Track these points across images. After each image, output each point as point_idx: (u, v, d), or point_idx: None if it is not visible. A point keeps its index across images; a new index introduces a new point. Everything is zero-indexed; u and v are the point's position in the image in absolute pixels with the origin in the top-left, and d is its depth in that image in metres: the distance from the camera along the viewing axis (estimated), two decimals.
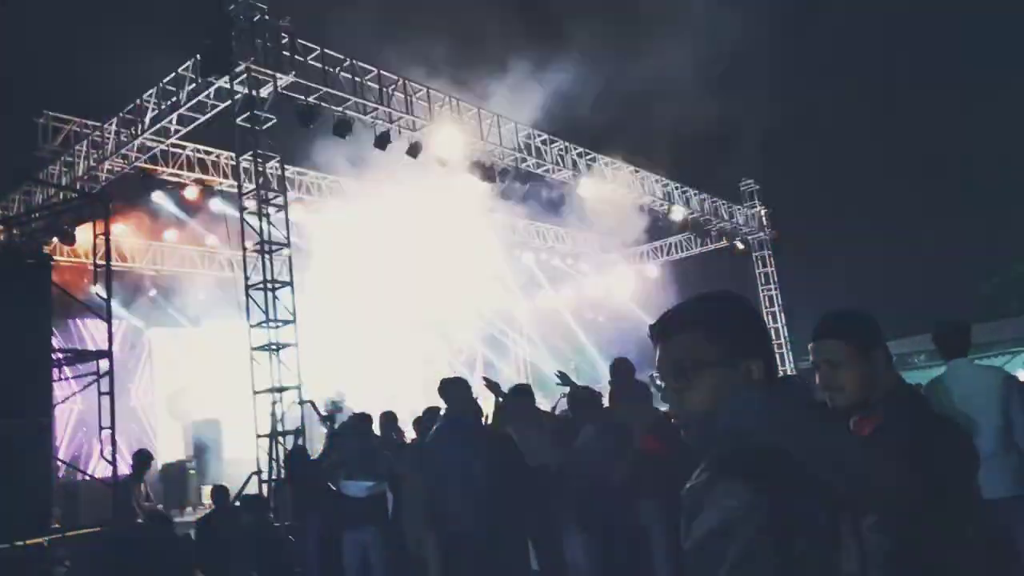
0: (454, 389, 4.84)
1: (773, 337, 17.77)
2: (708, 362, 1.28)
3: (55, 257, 11.05)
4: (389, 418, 7.59)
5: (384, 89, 10.90)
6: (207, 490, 12.17)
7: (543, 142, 13.40)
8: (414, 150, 11.32)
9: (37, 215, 10.71)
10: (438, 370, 20.10)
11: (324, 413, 11.78)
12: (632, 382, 5.01)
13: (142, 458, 8.26)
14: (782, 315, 18.09)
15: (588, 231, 18.81)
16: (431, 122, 11.42)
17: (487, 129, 12.39)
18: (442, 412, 5.11)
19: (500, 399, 5.60)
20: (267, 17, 9.44)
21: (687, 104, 15.23)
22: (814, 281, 15.96)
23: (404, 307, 19.28)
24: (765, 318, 17.89)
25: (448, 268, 19.00)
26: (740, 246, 18.01)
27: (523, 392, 5.44)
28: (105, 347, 9.80)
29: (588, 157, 14.15)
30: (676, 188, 16.23)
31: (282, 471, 8.98)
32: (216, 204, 13.21)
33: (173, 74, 10.17)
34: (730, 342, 1.29)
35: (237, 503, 7.34)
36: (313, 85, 10.12)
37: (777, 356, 17.25)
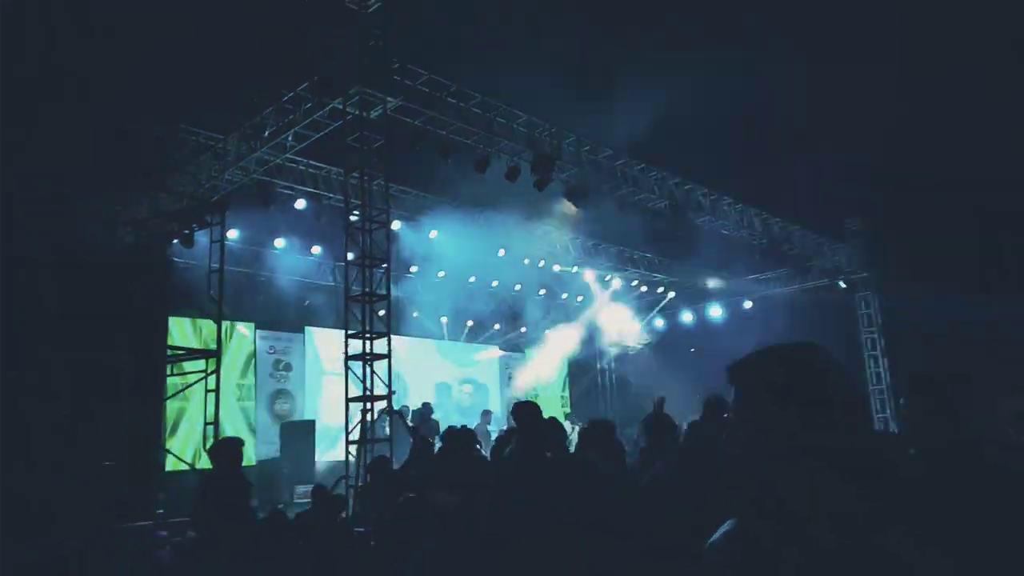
0: (526, 412, 4.95)
1: (874, 382, 17.05)
2: (753, 415, 1.36)
3: (174, 259, 11.92)
4: (470, 435, 7.77)
5: (487, 114, 11.22)
6: (300, 490, 12.74)
7: (640, 170, 13.41)
8: (512, 174, 11.57)
9: (161, 219, 11.56)
10: (527, 390, 20.29)
11: (412, 424, 12.16)
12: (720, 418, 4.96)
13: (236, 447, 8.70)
14: (884, 359, 17.26)
15: (684, 262, 18.59)
16: (530, 148, 11.66)
17: (584, 155, 12.53)
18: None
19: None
20: (381, 43, 9.91)
21: (793, 139, 14.92)
22: (919, 324, 15.17)
23: (489, 326, 19.60)
24: (866, 362, 17.18)
25: (541, 290, 19.21)
26: (842, 285, 17.37)
27: (602, 423, 5.50)
28: (214, 347, 10.53)
29: (686, 187, 14.04)
30: (776, 222, 15.85)
31: (367, 478, 9.30)
32: (324, 217, 13.95)
33: (291, 93, 10.81)
34: (772, 398, 1.34)
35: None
36: (419, 109, 10.55)
37: (850, 405, 16.44)
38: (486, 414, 14.63)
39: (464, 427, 8.07)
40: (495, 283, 18.11)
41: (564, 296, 19.75)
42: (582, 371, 22.11)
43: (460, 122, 10.96)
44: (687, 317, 20.23)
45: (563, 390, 21.62)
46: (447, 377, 19.27)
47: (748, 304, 19.08)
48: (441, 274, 17.13)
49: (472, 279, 17.74)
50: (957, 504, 1.65)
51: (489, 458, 7.60)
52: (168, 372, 9.63)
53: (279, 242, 15.12)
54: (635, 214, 13.82)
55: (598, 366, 22.45)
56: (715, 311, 19.63)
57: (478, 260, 16.54)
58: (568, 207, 13.24)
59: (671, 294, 20.17)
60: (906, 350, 16.72)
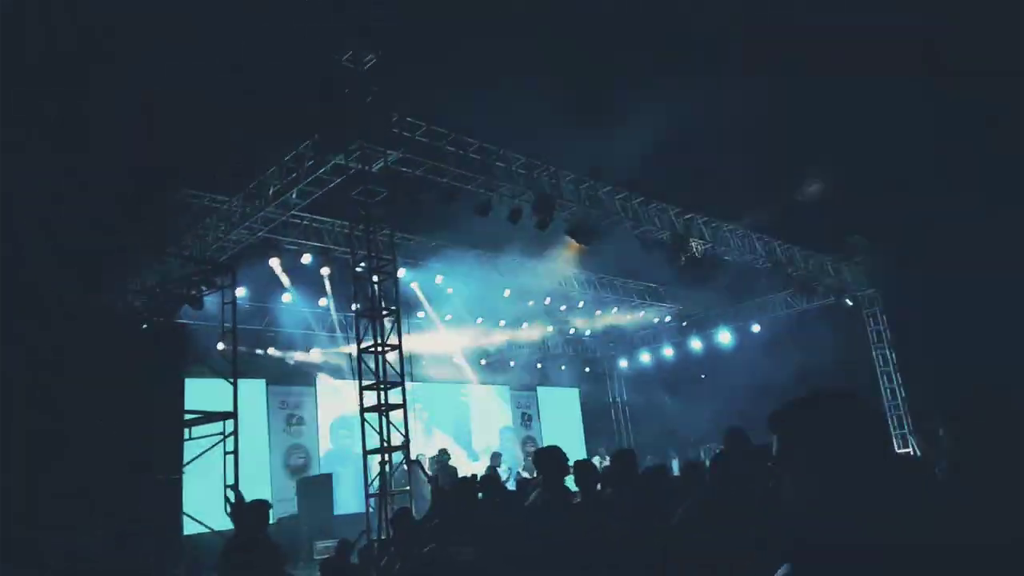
0: (549, 458, 4.96)
1: (888, 397, 16.96)
2: (802, 460, 1.43)
3: (184, 320, 11.99)
4: (492, 481, 7.75)
5: (486, 160, 11.39)
6: (320, 546, 12.63)
7: (640, 203, 13.54)
8: (515, 215, 11.70)
9: (171, 283, 11.66)
10: (536, 430, 20.20)
11: (430, 473, 12.10)
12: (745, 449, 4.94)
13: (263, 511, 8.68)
14: (897, 375, 17.19)
15: (689, 289, 18.66)
16: (530, 189, 11.80)
17: (584, 192, 12.67)
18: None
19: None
20: (378, 98, 10.11)
21: (793, 161, 15.07)
22: (933, 338, 15.12)
23: (501, 365, 19.61)
24: (879, 379, 17.11)
25: (545, 327, 19.25)
26: (848, 303, 17.39)
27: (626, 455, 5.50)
28: (229, 408, 10.53)
29: (687, 217, 14.16)
30: (779, 245, 15.94)
31: (390, 530, 9.23)
32: (329, 270, 14.09)
33: (294, 152, 10.99)
34: (807, 447, 1.43)
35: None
36: (420, 159, 10.71)
37: (876, 434, 16.31)
38: (495, 456, 14.61)
39: (474, 475, 8.06)
40: (502, 323, 18.17)
41: (572, 331, 19.79)
42: (596, 404, 22.04)
43: (460, 168, 11.11)
44: (696, 344, 20.21)
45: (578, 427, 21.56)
46: (502, 421, 19.33)
47: (756, 328, 19.08)
48: (448, 317, 17.21)
49: (479, 321, 17.80)
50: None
51: (504, 502, 7.60)
52: (186, 436, 9.61)
53: (286, 297, 15.21)
54: (639, 247, 13.92)
55: (610, 398, 22.39)
56: (724, 336, 19.63)
57: (485, 301, 16.66)
58: (572, 245, 13.35)
59: (684, 323, 20.20)
60: (918, 365, 16.68)
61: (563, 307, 18.11)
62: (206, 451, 9.63)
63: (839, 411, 1.47)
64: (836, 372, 15.91)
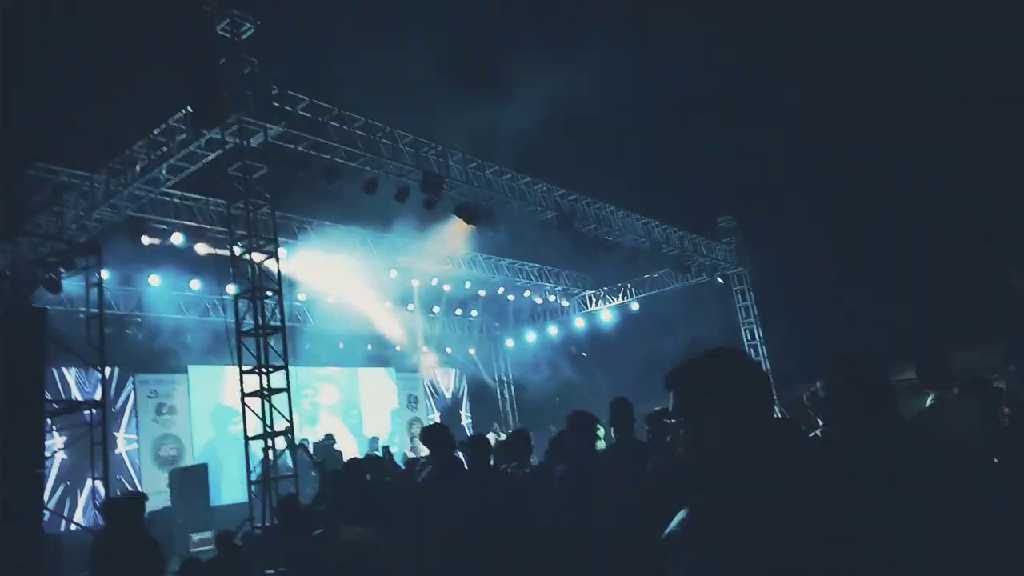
0: (437, 435, 5.02)
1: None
2: (699, 412, 1.54)
3: (44, 305, 11.07)
4: (377, 460, 7.71)
5: (372, 137, 11.15)
6: (196, 538, 12.09)
7: (526, 184, 13.71)
8: (402, 195, 11.55)
9: (25, 265, 10.75)
10: (423, 412, 20.18)
11: (316, 458, 11.84)
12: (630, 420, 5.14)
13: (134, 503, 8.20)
14: (763, 348, 18.37)
15: (571, 268, 19.12)
16: (417, 167, 11.68)
17: (471, 172, 12.68)
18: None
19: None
20: (257, 70, 9.67)
21: (662, 140, 15.70)
22: (795, 315, 16.29)
23: (386, 347, 19.41)
24: (748, 351, 18.22)
25: (432, 307, 19.21)
26: (720, 280, 18.37)
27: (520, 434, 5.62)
28: (93, 396, 9.88)
29: (571, 197, 14.47)
30: (656, 225, 16.59)
31: (274, 518, 8.97)
32: (203, 250, 13.36)
33: (164, 125, 10.34)
34: (716, 397, 1.54)
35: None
36: (302, 135, 10.35)
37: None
38: (373, 441, 14.52)
39: (353, 458, 7.99)
40: (388, 304, 17.96)
41: (458, 312, 19.84)
42: (481, 385, 22.25)
43: (345, 145, 10.83)
44: (579, 323, 20.75)
45: (463, 408, 21.71)
46: (389, 403, 19.07)
47: (635, 306, 19.81)
48: (331, 300, 16.81)
49: (365, 301, 17.51)
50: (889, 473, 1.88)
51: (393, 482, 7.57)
52: (48, 427, 8.93)
53: (154, 279, 14.36)
54: (525, 227, 14.12)
55: (495, 378, 22.65)
56: (606, 315, 20.27)
57: (370, 282, 16.39)
58: (458, 226, 13.36)
59: (564, 303, 20.68)
60: (780, 339, 17.92)
61: (448, 287, 18.10)
62: (68, 445, 8.99)
63: (732, 364, 1.60)
64: (706, 346, 16.82)
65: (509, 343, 22.39)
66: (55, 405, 9.05)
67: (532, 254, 18.15)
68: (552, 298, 20.46)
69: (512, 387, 22.58)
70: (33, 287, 10.67)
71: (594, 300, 20.50)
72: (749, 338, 18.46)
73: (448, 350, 21.13)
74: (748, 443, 1.51)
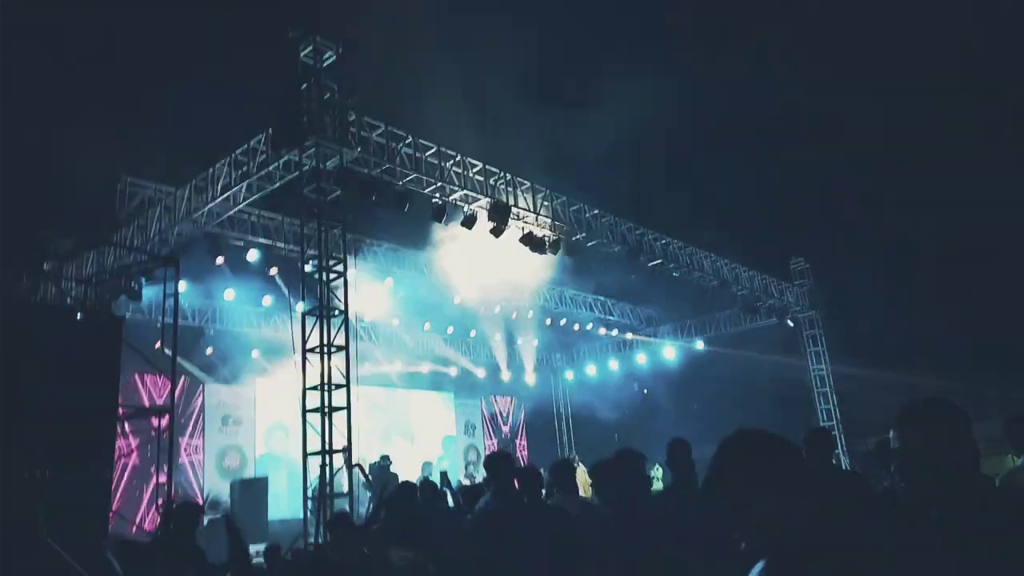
0: (499, 463, 4.96)
1: (824, 418, 17.42)
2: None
3: (123, 313, 11.56)
4: (432, 486, 7.68)
5: (442, 164, 11.33)
6: (252, 550, 12.28)
7: (593, 216, 13.66)
8: (469, 222, 11.66)
9: (109, 275, 11.25)
10: (480, 439, 20.14)
11: (371, 478, 11.92)
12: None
13: (191, 512, 8.39)
14: (833, 396, 17.69)
15: (636, 303, 18.89)
16: (486, 195, 11.78)
17: (539, 202, 12.72)
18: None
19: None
20: (336, 96, 9.97)
21: (736, 178, 15.46)
22: (865, 361, 15.68)
23: (446, 373, 19.52)
24: (815, 399, 17.59)
25: (497, 337, 19.23)
26: (790, 324, 17.85)
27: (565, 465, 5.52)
28: (164, 402, 10.22)
29: (638, 232, 14.33)
30: (726, 264, 16.27)
31: (327, 534, 9.04)
32: (274, 271, 13.80)
33: (245, 146, 10.74)
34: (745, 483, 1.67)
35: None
36: (375, 160, 10.60)
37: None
38: (425, 467, 14.53)
39: (408, 482, 7.99)
40: (450, 330, 18.08)
41: (519, 341, 19.81)
42: (540, 414, 22.12)
43: (416, 172, 11.03)
44: (641, 359, 20.45)
45: (520, 437, 21.60)
46: (446, 429, 19.17)
47: (701, 345, 19.41)
48: (395, 322, 17.03)
49: (427, 326, 17.68)
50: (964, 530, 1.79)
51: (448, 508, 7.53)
52: (119, 431, 9.25)
53: (229, 294, 14.83)
54: (592, 259, 14.04)
55: (554, 409, 22.48)
56: (669, 353, 19.92)
57: (434, 307, 16.57)
58: (526, 253, 13.35)
59: (628, 336, 20.42)
60: (852, 386, 17.22)
61: (513, 315, 18.10)
62: (135, 449, 9.28)
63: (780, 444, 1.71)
64: (773, 391, 16.34)
65: (569, 375, 22.22)
66: (127, 409, 9.37)
67: (597, 287, 18.01)
68: (615, 332, 20.23)
69: (570, 420, 22.36)
70: (115, 295, 11.16)
71: (658, 336, 20.18)
72: (819, 384, 17.81)
73: (506, 377, 21.11)
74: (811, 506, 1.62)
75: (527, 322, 18.49)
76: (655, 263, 14.62)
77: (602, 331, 19.91)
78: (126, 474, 12.96)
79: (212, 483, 14.98)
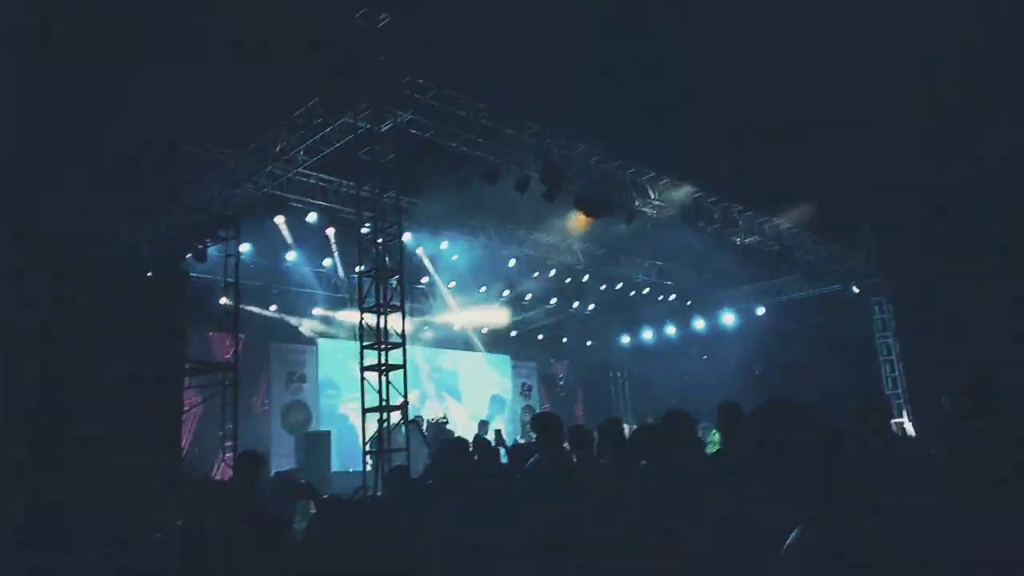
0: (548, 423, 5.02)
1: (889, 387, 16.93)
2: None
3: (188, 272, 12.02)
4: (486, 444, 7.84)
5: (496, 126, 11.30)
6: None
7: (649, 180, 13.45)
8: (522, 185, 11.64)
9: (176, 234, 11.68)
10: (536, 400, 20.33)
11: (427, 435, 12.20)
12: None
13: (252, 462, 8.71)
14: (899, 364, 17.16)
15: (695, 267, 18.59)
16: (540, 158, 11.73)
17: (594, 165, 12.59)
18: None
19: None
20: (390, 58, 10.02)
21: (801, 140, 14.94)
22: (932, 331, 15.11)
23: (502, 335, 19.68)
24: (880, 366, 17.08)
25: (549, 299, 19.26)
26: (855, 290, 17.32)
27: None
28: (230, 359, 10.64)
29: (696, 195, 14.06)
30: (788, 229, 15.84)
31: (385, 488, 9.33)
32: (332, 232, 14.12)
33: (302, 109, 10.93)
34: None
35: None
36: (429, 122, 10.65)
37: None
38: (482, 425, 14.73)
39: (461, 438, 8.14)
40: (505, 292, 18.19)
41: (575, 305, 19.78)
42: (596, 377, 22.17)
43: (470, 134, 11.04)
44: (699, 324, 20.19)
45: (576, 400, 21.70)
46: (498, 389, 19.45)
47: (761, 311, 19.04)
48: (452, 284, 17.22)
49: (483, 289, 17.82)
50: None
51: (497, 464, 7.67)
52: (187, 386, 9.71)
53: (291, 255, 15.23)
54: (651, 223, 13.86)
55: (610, 373, 22.49)
56: (728, 318, 19.60)
57: (489, 270, 16.67)
58: (579, 217, 13.31)
59: (686, 302, 20.17)
60: (920, 354, 16.65)
61: (568, 279, 18.08)
62: (208, 399, 9.74)
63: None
64: (835, 359, 15.94)
65: (626, 339, 22.13)
66: (194, 366, 9.80)
67: (655, 251, 17.79)
68: (673, 297, 20.00)
69: (627, 383, 22.33)
70: (181, 255, 11.60)
71: (718, 302, 19.86)
72: (884, 353, 17.30)
73: (564, 340, 21.17)
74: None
75: (583, 285, 18.45)
76: (714, 227, 14.35)
77: (660, 296, 19.71)
78: (194, 427, 13.57)
79: (278, 437, 15.56)
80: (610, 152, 12.77)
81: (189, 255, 11.71)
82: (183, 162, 11.67)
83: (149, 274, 10.01)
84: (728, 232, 14.73)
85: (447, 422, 14.04)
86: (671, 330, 20.85)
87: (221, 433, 10.79)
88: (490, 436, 13.10)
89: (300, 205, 13.07)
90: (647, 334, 21.36)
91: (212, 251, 11.85)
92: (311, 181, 12.96)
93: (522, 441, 13.70)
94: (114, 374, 7.69)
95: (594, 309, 20.12)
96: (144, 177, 10.42)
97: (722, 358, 18.26)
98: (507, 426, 17.87)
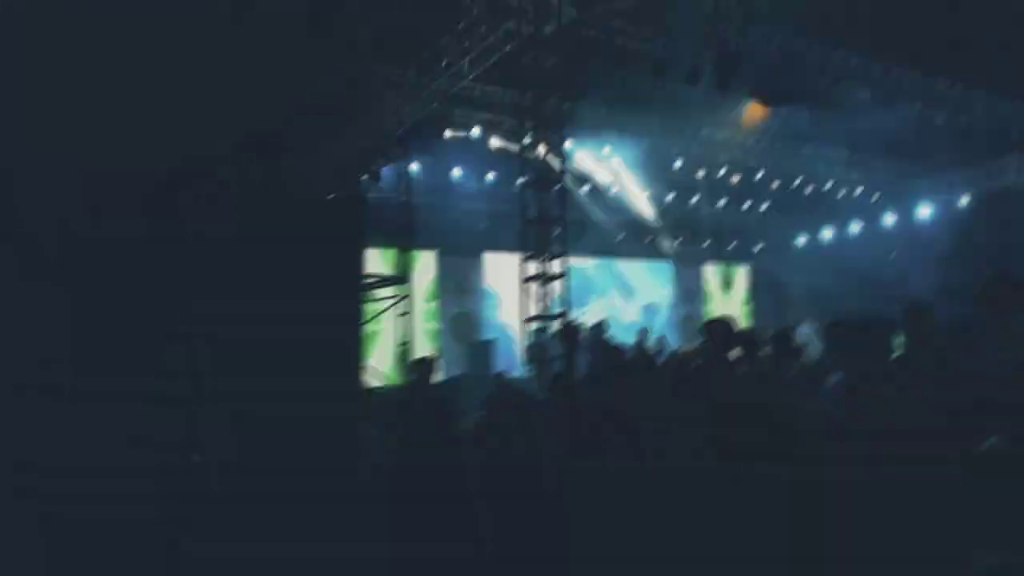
0: (717, 328, 4.84)
1: None
2: None
3: (363, 193, 12.43)
4: (645, 352, 7.65)
5: (665, 14, 10.51)
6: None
7: (838, 57, 12.02)
8: (695, 76, 10.81)
9: (351, 156, 12.02)
10: (699, 307, 19.73)
11: (587, 344, 12.14)
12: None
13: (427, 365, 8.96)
14: None
15: (886, 156, 16.79)
16: (712, 47, 10.78)
17: (771, 48, 11.41)
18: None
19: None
20: None
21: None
22: None
23: (671, 241, 19.04)
24: None
25: (718, 199, 18.28)
26: None
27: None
28: (403, 273, 11.07)
29: (891, 73, 12.43)
30: (1001, 100, 13.74)
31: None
32: (495, 143, 14.05)
33: (467, 19, 10.70)
34: None
35: None
36: (594, 19, 10.11)
37: None
38: (642, 332, 14.39)
39: (621, 345, 7.95)
40: (671, 196, 17.45)
41: (747, 204, 18.65)
42: (767, 282, 21.08)
43: (635, 25, 10.36)
44: (889, 219, 18.42)
45: (745, 304, 20.87)
46: (660, 296, 19.21)
47: (965, 201, 16.98)
48: (615, 190, 16.76)
49: (647, 192, 17.22)
50: None
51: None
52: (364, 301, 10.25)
53: (456, 170, 15.39)
54: (836, 109, 12.51)
55: (784, 277, 21.27)
56: (924, 211, 17.69)
57: (654, 172, 16.05)
58: (754, 109, 12.27)
59: (873, 196, 18.44)
60: None
61: (736, 177, 16.96)
62: (384, 311, 10.28)
63: None
64: None
65: (803, 239, 20.73)
66: (370, 281, 10.24)
67: (841, 139, 16.14)
68: (859, 190, 18.27)
69: (803, 287, 21.05)
70: (358, 176, 11.96)
71: (912, 193, 17.93)
72: None
73: (734, 243, 20.17)
74: None
75: (756, 184, 17.29)
76: (913, 106, 12.70)
77: (842, 191, 18.09)
78: (373, 340, 14.38)
79: (447, 346, 16.22)
80: (793, 33, 11.48)
81: (364, 175, 12.07)
82: (355, 83, 11.85)
83: (326, 199, 10.40)
84: (929, 112, 13.02)
85: (605, 330, 13.87)
86: (855, 228, 19.21)
87: (397, 345, 11.33)
88: (651, 344, 12.85)
89: (465, 119, 13.09)
90: (827, 233, 19.85)
91: (384, 171, 12.17)
92: (475, 94, 12.85)
93: (685, 349, 13.31)
94: (296, 290, 8.11)
95: (768, 208, 18.88)
96: (322, 99, 10.68)
97: (914, 257, 16.60)
98: (669, 333, 17.50)
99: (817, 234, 20.21)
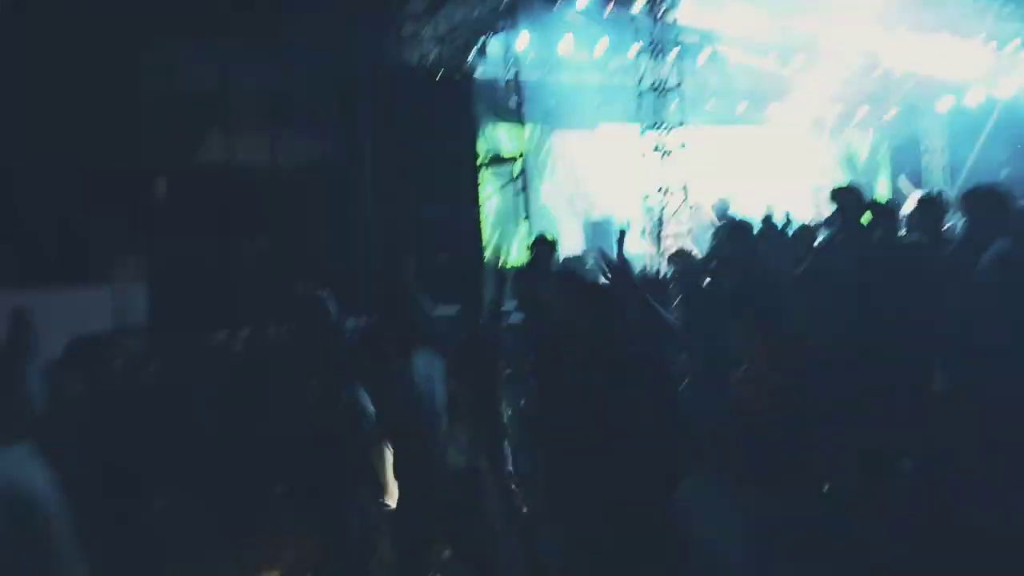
0: (847, 195, 4.73)
1: None
2: None
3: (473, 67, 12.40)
4: (772, 227, 7.52)
5: None
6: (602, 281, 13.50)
7: None
8: None
9: (459, 33, 12.03)
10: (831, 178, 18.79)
11: (711, 218, 11.99)
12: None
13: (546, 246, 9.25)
14: None
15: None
16: None
17: None
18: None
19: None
20: None
21: None
22: None
23: (800, 111, 18.01)
24: None
25: (847, 60, 16.94)
26: None
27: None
28: (517, 151, 11.20)
29: None
30: None
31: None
32: (609, 9, 13.44)
33: None
34: None
35: None
36: None
37: None
38: (768, 208, 13.86)
39: (744, 221, 7.84)
40: (800, 57, 16.34)
41: (878, 71, 17.20)
42: (903, 150, 19.70)
43: None
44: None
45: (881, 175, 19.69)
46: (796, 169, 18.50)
47: None
48: (735, 57, 15.87)
49: (771, 55, 16.20)
50: None
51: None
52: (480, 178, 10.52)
53: (567, 40, 14.94)
54: None
55: (921, 146, 19.77)
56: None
57: (779, 32, 15.00)
58: None
59: None
60: None
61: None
62: (501, 188, 10.48)
63: None
64: None
65: (942, 104, 18.97)
66: (486, 160, 10.48)
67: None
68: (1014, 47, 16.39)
69: (945, 154, 19.53)
70: (465, 52, 12.00)
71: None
72: None
73: (865, 107, 18.78)
74: None
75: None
76: None
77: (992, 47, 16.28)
78: (490, 216, 14.73)
79: (566, 224, 16.34)
80: None
81: (474, 50, 12.06)
82: None
83: (438, 75, 10.57)
84: None
85: (729, 206, 13.61)
86: (1007, 85, 17.29)
87: (516, 223, 11.61)
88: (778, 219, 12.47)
89: None
90: (972, 98, 18.05)
91: (493, 45, 12.06)
92: None
93: (811, 224, 12.88)
94: (415, 171, 8.52)
95: (905, 72, 17.35)
96: None
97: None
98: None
99: (961, 97, 18.46)
